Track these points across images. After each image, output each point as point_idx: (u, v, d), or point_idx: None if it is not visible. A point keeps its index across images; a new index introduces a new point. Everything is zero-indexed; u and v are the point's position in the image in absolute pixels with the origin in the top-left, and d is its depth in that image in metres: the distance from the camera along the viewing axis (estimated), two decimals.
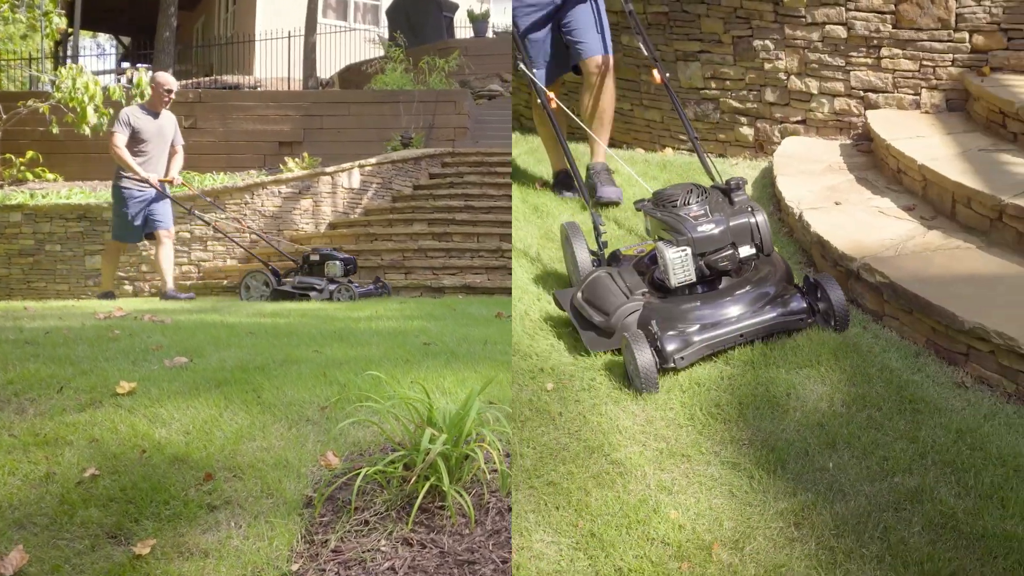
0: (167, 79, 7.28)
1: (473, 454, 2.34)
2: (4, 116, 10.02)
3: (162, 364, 3.55)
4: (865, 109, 4.97)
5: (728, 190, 3.43)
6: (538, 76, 4.48)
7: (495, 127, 11.71)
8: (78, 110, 8.82)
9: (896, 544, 2.23)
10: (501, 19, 18.44)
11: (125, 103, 8.51)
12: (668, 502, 2.46)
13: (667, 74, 4.23)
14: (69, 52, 18.40)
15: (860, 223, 3.92)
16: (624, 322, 3.25)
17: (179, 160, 7.33)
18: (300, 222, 9.46)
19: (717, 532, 2.34)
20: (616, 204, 4.59)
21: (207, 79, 14.69)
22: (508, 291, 7.33)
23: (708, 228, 3.29)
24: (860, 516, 2.34)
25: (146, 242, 7.50)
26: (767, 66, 5.23)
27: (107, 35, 27.68)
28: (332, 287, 7.16)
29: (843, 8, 4.90)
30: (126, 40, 24.58)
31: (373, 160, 10.03)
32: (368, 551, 2.12)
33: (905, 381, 2.95)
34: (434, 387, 3.04)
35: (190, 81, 14.10)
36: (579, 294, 3.44)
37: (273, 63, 14.88)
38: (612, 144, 4.80)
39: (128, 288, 8.64)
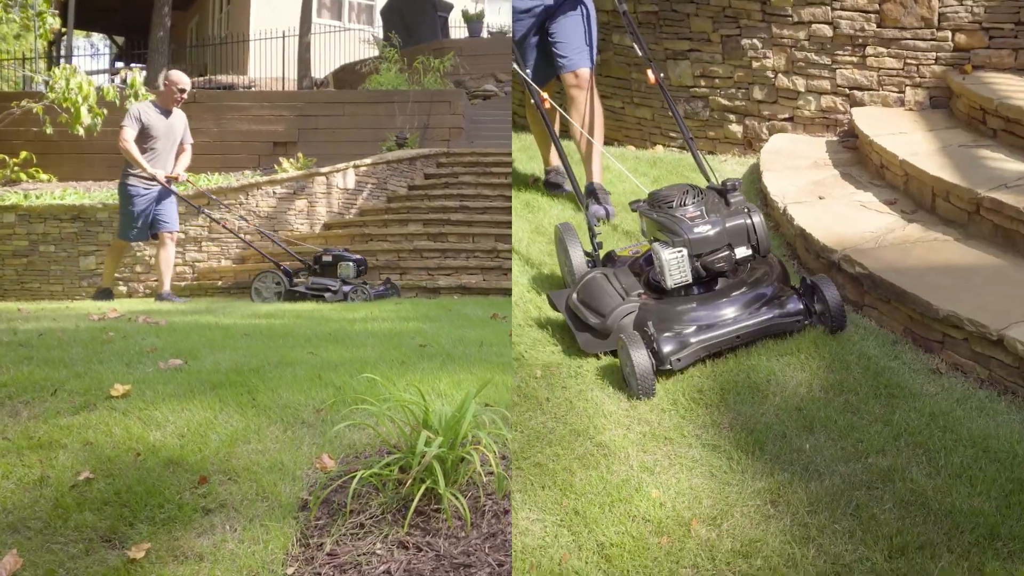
0: (180, 77, 7.23)
1: (469, 457, 2.33)
2: None
3: (157, 366, 3.54)
4: (851, 106, 5.03)
5: (724, 191, 3.43)
6: (531, 77, 4.50)
7: (490, 127, 11.70)
8: (72, 110, 8.77)
9: (867, 520, 2.30)
10: (496, 19, 18.46)
11: (119, 103, 8.48)
12: (650, 482, 2.54)
13: (661, 74, 4.27)
14: (63, 52, 18.33)
15: (842, 217, 3.98)
16: (620, 323, 3.25)
17: (186, 158, 7.30)
18: (295, 223, 9.43)
19: (696, 510, 2.41)
20: (607, 221, 4.63)
21: (201, 79, 14.65)
22: (504, 291, 7.33)
23: (704, 229, 3.29)
24: (834, 494, 2.41)
25: (143, 243, 7.46)
26: (755, 64, 5.28)
27: (101, 35, 27.62)
28: (347, 288, 7.07)
29: (829, 7, 4.95)
30: (120, 40, 24.55)
31: (368, 160, 10.01)
32: (364, 554, 2.11)
33: (882, 368, 3.01)
34: (430, 389, 3.03)
35: None
36: (574, 295, 3.43)
37: (267, 63, 14.86)
38: (603, 142, 4.88)
39: (123, 289, 8.61)
